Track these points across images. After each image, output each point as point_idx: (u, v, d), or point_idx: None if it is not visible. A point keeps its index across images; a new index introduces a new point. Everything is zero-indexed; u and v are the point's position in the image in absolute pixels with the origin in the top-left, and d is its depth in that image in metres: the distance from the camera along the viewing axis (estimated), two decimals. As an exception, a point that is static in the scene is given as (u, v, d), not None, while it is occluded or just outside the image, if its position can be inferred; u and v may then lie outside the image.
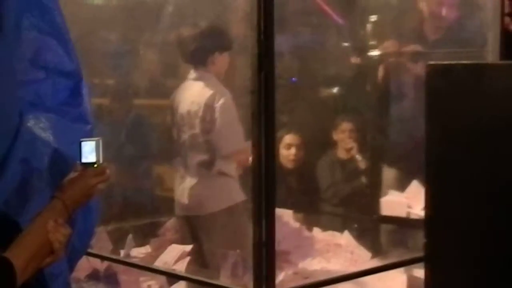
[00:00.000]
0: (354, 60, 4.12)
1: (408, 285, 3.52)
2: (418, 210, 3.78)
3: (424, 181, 2.86)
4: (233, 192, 3.95)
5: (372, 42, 4.18)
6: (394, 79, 4.06)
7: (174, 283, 3.65)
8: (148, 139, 4.43)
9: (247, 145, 3.74)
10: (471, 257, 2.52)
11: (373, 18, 4.15)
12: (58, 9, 2.04)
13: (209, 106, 3.90)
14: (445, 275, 2.61)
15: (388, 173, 4.23)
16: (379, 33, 4.17)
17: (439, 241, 2.62)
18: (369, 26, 4.16)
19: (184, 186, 4.00)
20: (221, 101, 3.90)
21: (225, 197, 4.00)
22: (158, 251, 3.97)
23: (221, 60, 3.97)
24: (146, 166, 4.36)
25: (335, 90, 4.34)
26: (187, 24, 3.97)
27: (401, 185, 4.05)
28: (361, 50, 4.12)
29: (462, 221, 2.53)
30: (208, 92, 3.93)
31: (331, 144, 4.33)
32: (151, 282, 3.69)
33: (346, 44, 4.02)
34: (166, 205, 4.30)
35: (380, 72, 4.09)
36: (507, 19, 3.82)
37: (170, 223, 4.13)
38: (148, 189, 4.38)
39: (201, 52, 3.92)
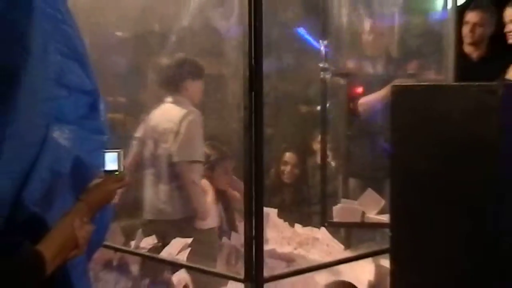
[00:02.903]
0: (328, 80, 4.09)
1: (375, 272, 3.51)
2: (372, 214, 3.79)
3: (387, 188, 2.87)
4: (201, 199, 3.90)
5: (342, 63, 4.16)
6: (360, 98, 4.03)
7: (177, 271, 3.62)
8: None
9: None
10: (429, 249, 2.52)
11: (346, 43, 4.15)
12: (79, 37, 2.04)
13: (179, 123, 3.84)
14: (407, 263, 2.60)
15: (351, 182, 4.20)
16: (349, 56, 4.17)
17: (402, 235, 2.61)
18: (341, 51, 4.15)
19: (158, 193, 3.93)
20: (189, 118, 3.84)
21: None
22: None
23: (194, 87, 3.91)
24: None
25: (312, 106, 4.32)
26: (164, 54, 3.94)
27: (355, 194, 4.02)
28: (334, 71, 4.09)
29: (421, 218, 2.52)
30: (180, 112, 3.87)
31: (312, 152, 4.33)
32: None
33: (322, 66, 3.99)
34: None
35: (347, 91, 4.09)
36: (469, 47, 3.85)
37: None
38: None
39: (174, 79, 3.87)
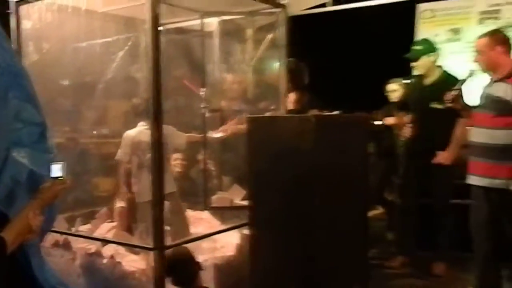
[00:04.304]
0: (207, 114, 4.11)
1: (240, 238, 3.58)
2: (238, 201, 3.85)
3: (246, 183, 2.94)
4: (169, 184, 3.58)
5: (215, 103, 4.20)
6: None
7: (104, 246, 3.50)
8: (88, 162, 4.23)
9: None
10: (273, 222, 2.62)
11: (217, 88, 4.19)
12: (31, 86, 1.96)
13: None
14: (260, 231, 2.69)
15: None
16: (219, 97, 4.23)
17: (257, 213, 2.70)
18: (215, 94, 4.20)
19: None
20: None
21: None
22: (96, 227, 3.81)
23: None
24: (87, 178, 4.16)
25: (197, 131, 4.31)
26: (135, 96, 3.75)
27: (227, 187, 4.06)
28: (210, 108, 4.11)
29: (267, 201, 2.62)
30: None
31: (197, 161, 4.32)
32: (91, 246, 3.52)
33: (202, 105, 4.02)
34: (100, 200, 4.12)
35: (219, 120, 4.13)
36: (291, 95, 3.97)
37: (103, 211, 3.97)
38: (89, 191, 4.17)
39: (146, 111, 3.68)
